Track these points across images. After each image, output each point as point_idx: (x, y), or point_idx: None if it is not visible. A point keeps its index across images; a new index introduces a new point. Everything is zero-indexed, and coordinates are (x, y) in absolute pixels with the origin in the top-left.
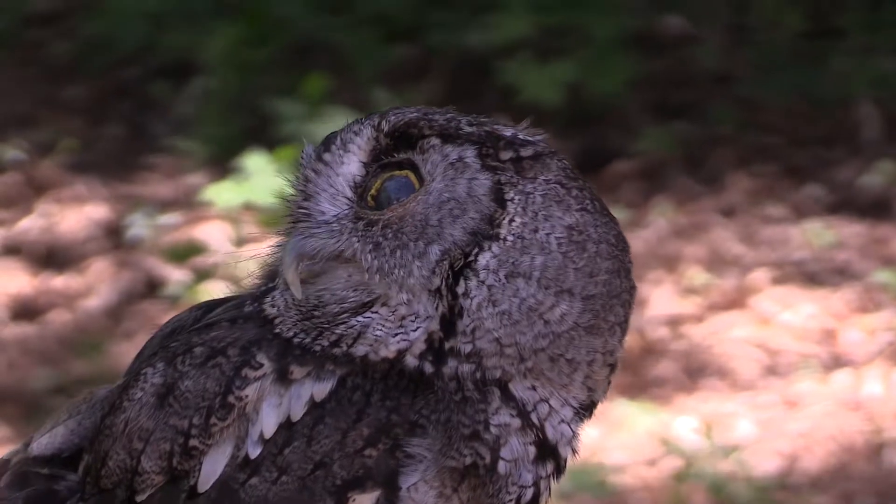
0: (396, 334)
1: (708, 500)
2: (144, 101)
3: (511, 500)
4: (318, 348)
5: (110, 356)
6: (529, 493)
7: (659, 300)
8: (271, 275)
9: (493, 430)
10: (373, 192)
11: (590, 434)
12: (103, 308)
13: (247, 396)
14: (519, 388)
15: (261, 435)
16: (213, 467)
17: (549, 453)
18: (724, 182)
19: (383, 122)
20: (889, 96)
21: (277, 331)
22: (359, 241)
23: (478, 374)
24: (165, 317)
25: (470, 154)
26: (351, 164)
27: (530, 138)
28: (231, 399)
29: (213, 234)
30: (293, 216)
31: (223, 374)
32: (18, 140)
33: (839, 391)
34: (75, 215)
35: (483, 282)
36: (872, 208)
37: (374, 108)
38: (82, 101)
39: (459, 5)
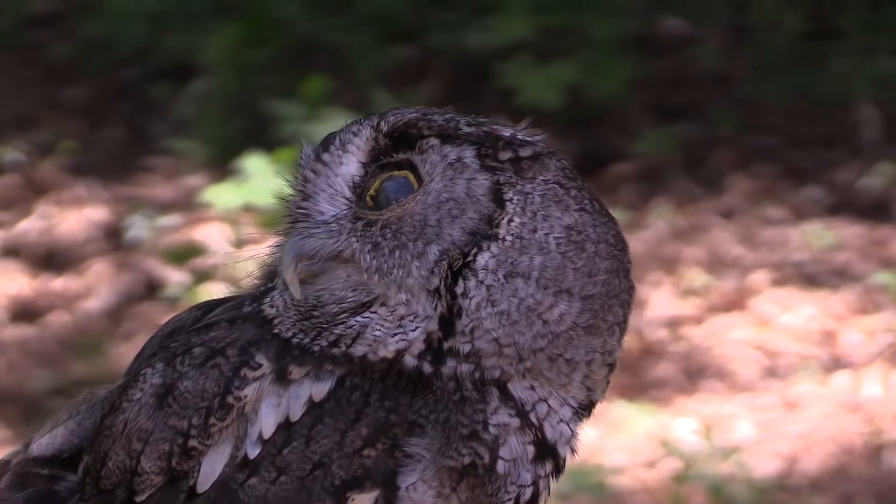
0: (395, 334)
1: (707, 501)
2: (144, 103)
3: (510, 500)
4: (316, 348)
5: (110, 357)
6: (528, 492)
7: (658, 301)
8: (270, 275)
9: (491, 429)
10: (372, 192)
11: (589, 435)
12: (103, 309)
13: (246, 397)
14: (518, 388)
15: (260, 435)
16: (212, 467)
17: (548, 453)
18: (724, 183)
19: (382, 123)
20: (889, 97)
21: (276, 331)
22: (358, 242)
23: (476, 374)
24: (165, 318)
25: (469, 154)
26: (350, 165)
27: (529, 139)
28: (230, 399)
29: (213, 236)
30: (292, 216)
31: (222, 375)
32: (18, 141)
33: (839, 393)
34: (75, 217)
35: (482, 282)
36: (872, 210)
37: (373, 109)
38: (82, 103)
39: (459, 6)
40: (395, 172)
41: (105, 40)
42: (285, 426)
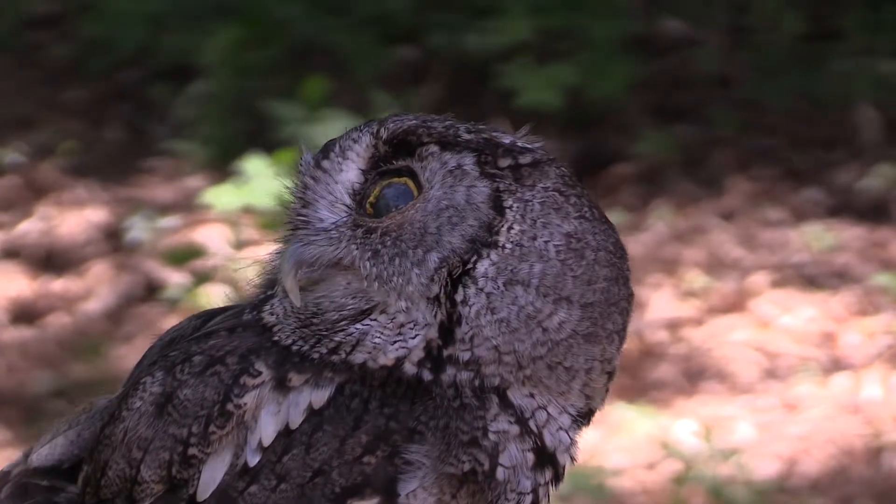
0: (395, 342)
1: (707, 502)
2: (144, 104)
3: None
4: (316, 356)
5: (110, 359)
6: (528, 500)
7: (658, 303)
8: (270, 283)
9: (491, 436)
10: (371, 199)
11: (589, 437)
12: (103, 311)
13: (245, 404)
14: (517, 396)
15: (259, 443)
16: (212, 475)
17: (548, 460)
18: (724, 185)
19: (382, 130)
20: (889, 99)
21: (276, 339)
22: (357, 249)
23: (476, 382)
24: (165, 320)
25: (468, 161)
26: (349, 172)
27: (529, 146)
28: (230, 407)
29: (213, 237)
30: (292, 223)
31: (222, 383)
32: (18, 143)
33: (838, 394)
34: (75, 218)
35: (481, 289)
36: (872, 211)
37: (373, 110)
38: (82, 104)
39: (459, 8)
40: (395, 179)
41: (105, 41)
42: (285, 434)
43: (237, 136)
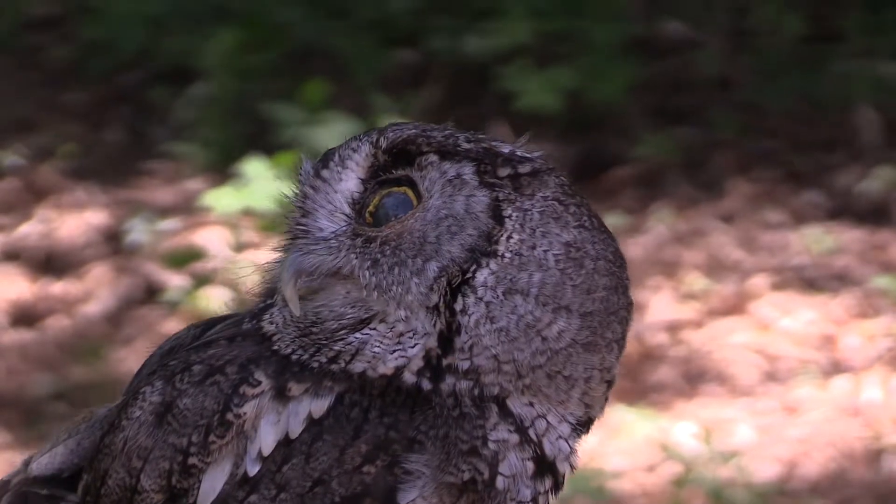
0: (394, 351)
1: None
2: (144, 107)
3: None
4: (315, 365)
5: (110, 362)
6: None
7: (658, 306)
8: (269, 292)
9: (491, 445)
10: (371, 208)
11: (589, 439)
12: (102, 314)
13: (245, 414)
14: (517, 405)
15: (259, 452)
16: (212, 485)
17: (548, 469)
18: (724, 187)
19: (381, 139)
20: (889, 101)
21: (275, 348)
22: (357, 258)
23: (476, 391)
24: (165, 322)
25: (468, 171)
26: (349, 181)
27: (528, 155)
28: (229, 417)
29: (213, 240)
30: (291, 232)
31: (221, 392)
32: (18, 145)
33: (838, 397)
34: (74, 221)
35: (481, 299)
36: (872, 214)
37: (373, 113)
38: (82, 107)
39: (459, 11)
40: (395, 189)
41: (105, 44)
42: (285, 443)
43: (237, 139)
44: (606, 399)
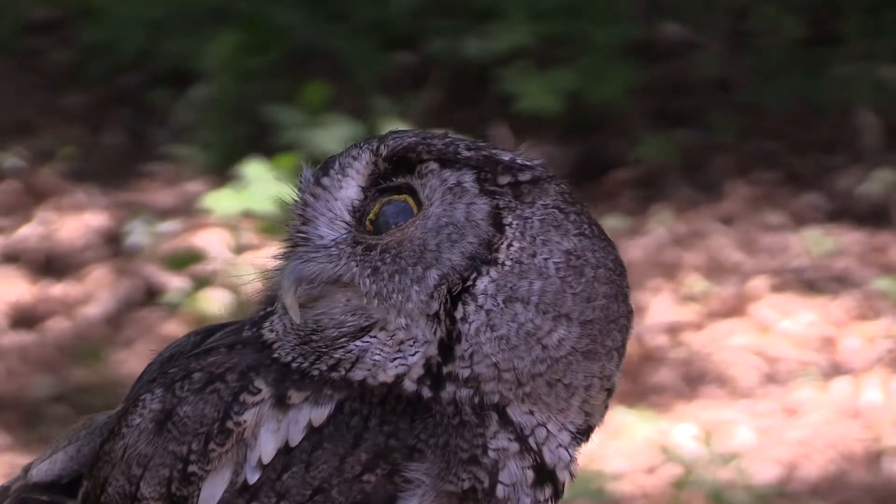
0: (394, 359)
1: None
2: (144, 109)
3: None
4: (316, 373)
5: (110, 364)
6: None
7: (658, 308)
8: (270, 299)
9: (491, 454)
10: (371, 216)
11: (591, 439)
12: (102, 315)
13: (245, 422)
14: (517, 413)
15: (259, 460)
16: (211, 493)
17: (547, 477)
18: (724, 189)
19: (381, 147)
20: (889, 103)
21: (276, 355)
22: (357, 266)
23: (476, 399)
24: (165, 324)
25: (468, 179)
26: (349, 189)
27: (528, 163)
28: (229, 424)
29: (213, 242)
30: (291, 240)
31: (221, 400)
32: (18, 147)
33: (838, 399)
34: (74, 223)
35: (481, 306)
36: (871, 216)
37: (373, 115)
38: (81, 109)
39: (458, 13)
40: (395, 197)
41: (105, 46)
42: (285, 451)
43: (237, 141)
44: (606, 407)
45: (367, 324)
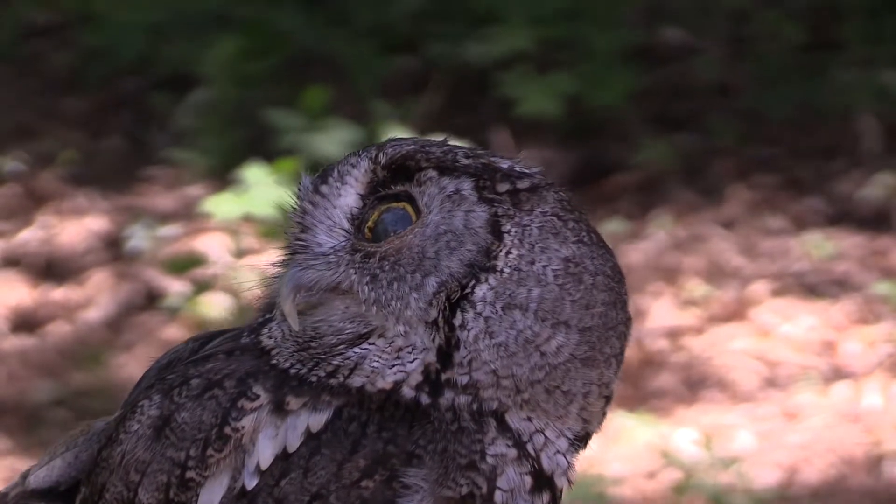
0: (393, 366)
1: None
2: (144, 113)
3: None
4: (314, 379)
5: (110, 368)
6: None
7: (658, 312)
8: (268, 306)
9: (489, 460)
10: (370, 224)
11: (589, 445)
12: (103, 320)
13: (243, 428)
14: (515, 419)
15: (257, 466)
16: (209, 499)
17: (546, 484)
18: (724, 194)
19: (380, 155)
20: (889, 108)
21: (274, 362)
22: (356, 273)
23: (474, 405)
24: (165, 328)
25: (467, 186)
26: (348, 197)
27: (527, 170)
28: (227, 430)
29: (213, 246)
30: (290, 248)
31: (219, 406)
32: (18, 152)
33: (839, 403)
34: (75, 227)
35: (480, 314)
36: (872, 220)
37: (373, 120)
38: (82, 113)
39: (459, 17)
40: (394, 204)
41: (105, 51)
42: (283, 457)
43: (237, 145)
44: (605, 414)
45: (365, 331)
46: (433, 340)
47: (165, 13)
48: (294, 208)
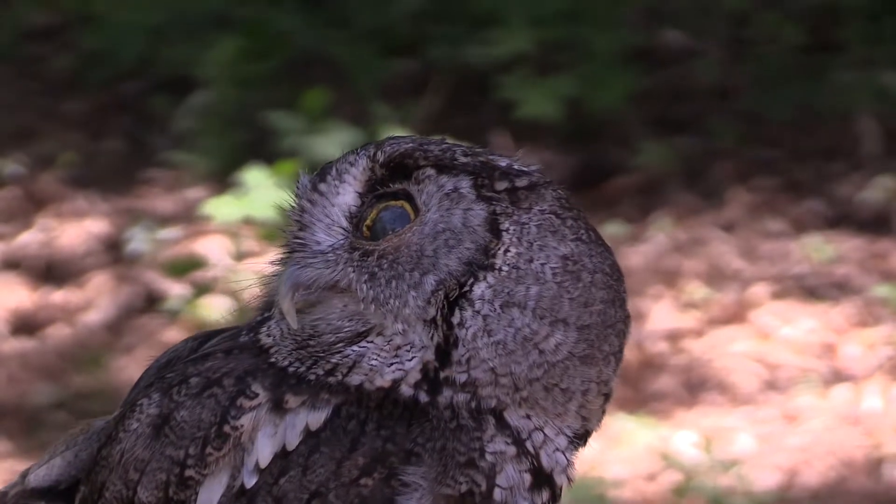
0: (391, 364)
1: None
2: (144, 115)
3: None
4: (313, 377)
5: (110, 370)
6: None
7: (659, 315)
8: (267, 305)
9: (488, 457)
10: (368, 222)
11: (589, 448)
12: (103, 322)
13: (242, 426)
14: (514, 417)
15: (256, 464)
16: (209, 497)
17: (545, 481)
18: (724, 196)
19: (379, 153)
20: (889, 110)
21: (273, 360)
22: (354, 272)
23: (473, 403)
24: (165, 331)
25: (465, 184)
26: (346, 195)
27: (525, 168)
28: (226, 429)
29: (213, 249)
30: (289, 246)
31: (218, 404)
32: (18, 154)
33: (839, 406)
34: (75, 229)
35: (478, 312)
36: (872, 223)
37: (373, 122)
38: (82, 115)
39: (459, 20)
40: (392, 202)
41: (105, 53)
42: (282, 455)
43: (237, 148)
44: (604, 412)
45: (364, 329)
46: (432, 338)
47: (165, 15)
48: (292, 206)
